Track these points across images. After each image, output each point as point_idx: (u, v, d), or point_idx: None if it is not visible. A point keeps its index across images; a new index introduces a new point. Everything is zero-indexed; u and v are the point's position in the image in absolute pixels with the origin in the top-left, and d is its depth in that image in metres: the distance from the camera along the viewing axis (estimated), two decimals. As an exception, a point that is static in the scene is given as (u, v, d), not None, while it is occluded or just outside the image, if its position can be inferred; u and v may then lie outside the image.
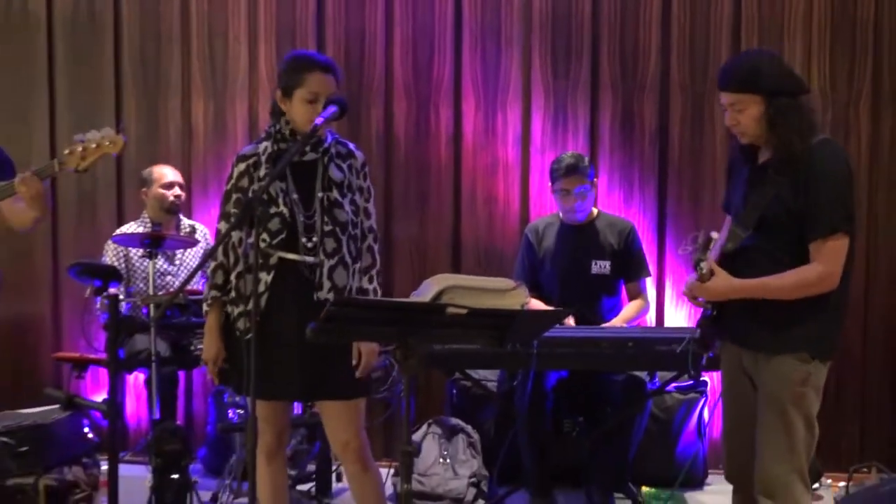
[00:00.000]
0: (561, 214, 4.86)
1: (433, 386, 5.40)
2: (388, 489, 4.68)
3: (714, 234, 3.27)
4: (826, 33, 5.28)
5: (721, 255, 3.27)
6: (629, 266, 4.84)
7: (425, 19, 5.44)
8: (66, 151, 3.52)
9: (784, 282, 3.14)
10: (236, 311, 3.47)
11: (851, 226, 3.14)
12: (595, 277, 4.79)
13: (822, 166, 3.11)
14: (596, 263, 4.79)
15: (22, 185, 3.51)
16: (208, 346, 3.56)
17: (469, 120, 5.45)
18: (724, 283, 3.21)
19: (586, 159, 4.80)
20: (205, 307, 3.58)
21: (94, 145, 3.49)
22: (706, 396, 5.10)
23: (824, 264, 3.11)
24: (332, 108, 3.35)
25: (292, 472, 4.70)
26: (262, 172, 3.45)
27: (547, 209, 5.26)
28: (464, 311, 2.91)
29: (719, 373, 3.53)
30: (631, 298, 4.88)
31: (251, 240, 3.20)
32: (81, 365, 4.96)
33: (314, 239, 3.42)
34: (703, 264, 3.21)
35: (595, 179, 4.86)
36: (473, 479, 4.89)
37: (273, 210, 3.40)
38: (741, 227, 3.23)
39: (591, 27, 5.38)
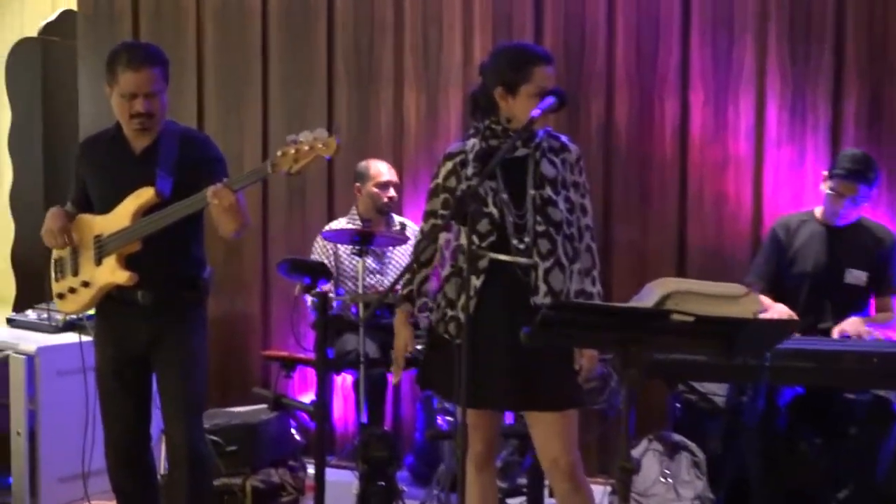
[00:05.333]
0: (822, 213, 4.70)
1: (654, 398, 5.31)
2: (604, 507, 4.65)
3: None
4: None
5: None
6: (884, 279, 4.63)
7: (650, 4, 5.35)
8: (279, 153, 3.51)
9: None
10: (448, 313, 3.51)
11: None
12: (848, 287, 4.61)
13: None
14: (851, 272, 4.61)
15: (214, 198, 3.53)
16: (398, 337, 3.63)
17: (697, 111, 5.32)
18: None
19: (874, 167, 4.60)
20: (398, 308, 3.65)
21: (306, 147, 3.49)
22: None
23: None
24: (550, 100, 3.34)
25: (502, 485, 4.71)
26: (470, 171, 3.48)
27: (784, 209, 5.09)
28: (690, 318, 2.86)
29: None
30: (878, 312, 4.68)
31: (462, 241, 3.24)
32: (289, 364, 5.10)
33: (526, 240, 3.43)
34: None
35: (874, 190, 4.64)
36: (697, 503, 4.80)
37: (484, 210, 3.42)
38: None
39: (834, 5, 5.16)
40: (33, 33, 7.72)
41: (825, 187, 4.64)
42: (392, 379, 3.73)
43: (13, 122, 7.53)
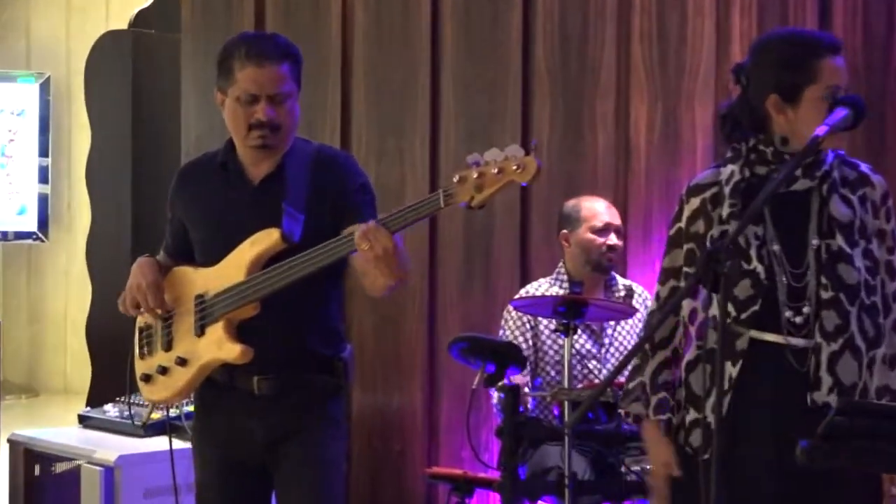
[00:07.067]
0: None
1: None
2: None
3: None
4: None
5: None
6: None
7: None
8: (457, 178, 3.46)
9: None
10: (687, 417, 3.49)
11: None
12: None
13: None
14: None
15: (363, 241, 3.44)
16: (654, 456, 3.60)
17: None
18: None
19: None
20: (623, 409, 3.62)
21: (495, 170, 3.42)
22: None
23: None
24: (842, 112, 3.29)
25: None
26: (725, 211, 3.47)
27: None
28: None
29: None
30: None
31: (713, 312, 3.20)
32: (464, 486, 5.12)
33: (805, 310, 3.40)
34: None
35: None
36: None
37: (743, 267, 3.40)
38: None
39: None
40: (122, 25, 7.91)
41: None
42: None
43: (93, 146, 7.63)
